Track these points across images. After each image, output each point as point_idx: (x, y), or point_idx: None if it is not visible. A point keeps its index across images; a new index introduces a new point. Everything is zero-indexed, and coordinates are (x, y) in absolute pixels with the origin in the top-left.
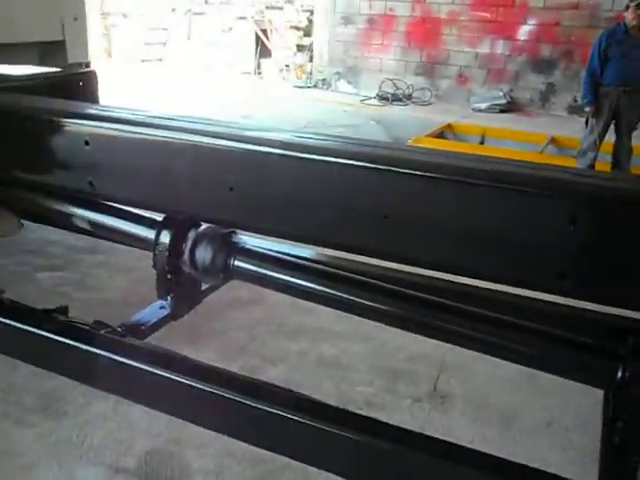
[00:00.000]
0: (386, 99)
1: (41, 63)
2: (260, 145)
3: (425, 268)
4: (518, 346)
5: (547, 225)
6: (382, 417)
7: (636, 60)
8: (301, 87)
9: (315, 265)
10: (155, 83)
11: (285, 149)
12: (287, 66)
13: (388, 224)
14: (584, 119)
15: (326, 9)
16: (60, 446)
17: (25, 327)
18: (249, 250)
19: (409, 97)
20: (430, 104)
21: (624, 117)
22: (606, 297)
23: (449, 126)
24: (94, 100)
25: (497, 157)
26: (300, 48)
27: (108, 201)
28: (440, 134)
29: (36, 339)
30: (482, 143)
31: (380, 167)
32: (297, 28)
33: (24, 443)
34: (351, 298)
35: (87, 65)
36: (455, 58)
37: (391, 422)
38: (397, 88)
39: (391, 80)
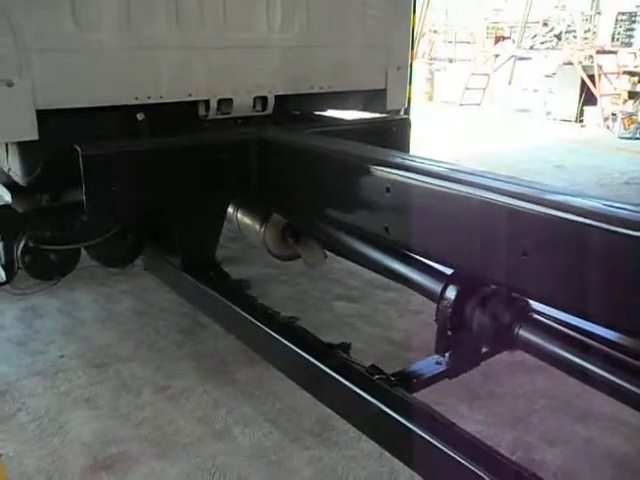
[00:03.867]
0: None
1: (364, 108)
2: (562, 211)
3: None
4: None
5: None
6: None
7: None
8: (628, 138)
9: (614, 352)
10: (470, 126)
11: (590, 218)
12: (614, 114)
13: None
14: None
15: None
16: (326, 475)
17: (308, 357)
18: (537, 321)
19: None
20: None
21: None
22: None
23: None
24: (405, 145)
25: None
26: (632, 95)
27: (400, 248)
28: None
29: (315, 369)
30: None
31: None
32: (632, 74)
33: (297, 462)
34: None
35: (406, 112)
36: None
37: None
38: None
39: None
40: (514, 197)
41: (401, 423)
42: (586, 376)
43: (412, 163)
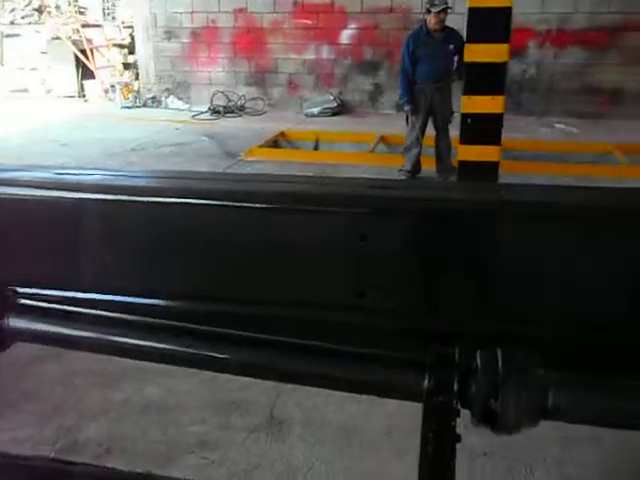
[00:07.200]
0: (218, 112)
1: None
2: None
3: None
4: (329, 371)
5: (340, 242)
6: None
7: (442, 58)
8: (129, 107)
9: (121, 315)
10: None
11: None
12: (112, 86)
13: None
14: (405, 117)
15: (147, 24)
16: None
17: None
18: (30, 306)
19: (242, 108)
20: (264, 113)
21: (439, 112)
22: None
23: (282, 134)
24: None
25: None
26: (126, 66)
27: None
28: (274, 143)
29: None
30: (316, 148)
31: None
32: (121, 46)
33: None
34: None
35: None
36: (284, 66)
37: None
38: (229, 100)
39: (222, 92)
40: None
41: None
42: (92, 345)
43: None
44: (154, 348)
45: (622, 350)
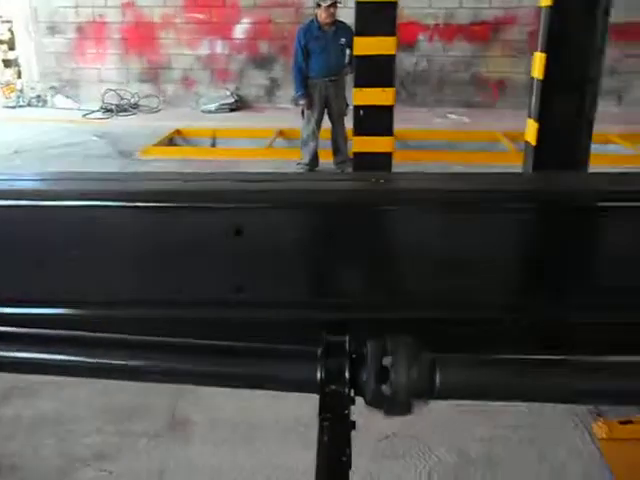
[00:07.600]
0: (111, 111)
1: None
2: None
3: None
4: (222, 369)
5: (214, 237)
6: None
7: (334, 52)
8: (12, 107)
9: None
10: None
11: None
12: None
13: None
14: (300, 111)
15: (27, 19)
16: None
17: None
18: None
19: (135, 106)
20: (159, 111)
21: (334, 105)
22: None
23: (178, 131)
24: None
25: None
26: (7, 64)
27: None
28: (170, 141)
29: None
30: (214, 145)
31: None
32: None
33: None
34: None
35: None
36: (177, 61)
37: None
38: (122, 98)
39: (114, 90)
40: None
41: None
42: None
43: None
44: (37, 359)
45: (511, 327)
